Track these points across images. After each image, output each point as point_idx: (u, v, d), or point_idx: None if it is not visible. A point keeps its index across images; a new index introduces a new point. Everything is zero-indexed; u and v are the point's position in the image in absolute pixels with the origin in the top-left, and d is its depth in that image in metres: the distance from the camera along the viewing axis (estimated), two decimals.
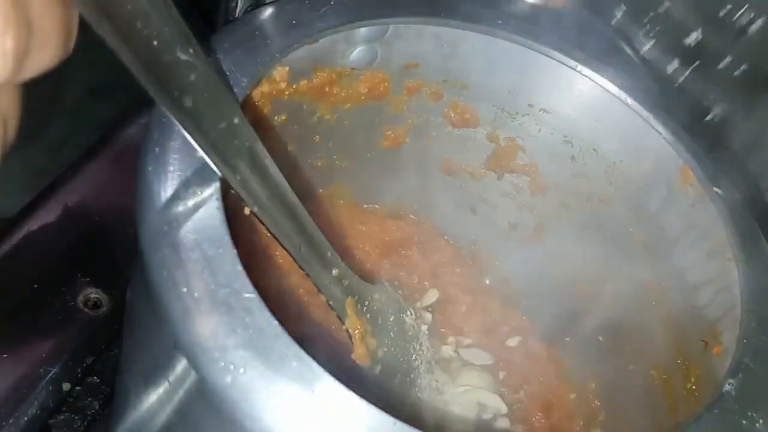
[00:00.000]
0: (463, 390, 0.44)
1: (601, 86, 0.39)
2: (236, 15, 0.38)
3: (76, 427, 0.40)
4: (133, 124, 0.50)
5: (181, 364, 0.22)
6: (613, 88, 0.39)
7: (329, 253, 0.31)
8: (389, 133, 0.43)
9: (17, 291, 0.42)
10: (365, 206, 0.48)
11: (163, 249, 0.23)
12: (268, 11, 0.34)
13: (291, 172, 0.41)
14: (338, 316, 0.34)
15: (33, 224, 0.44)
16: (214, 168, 0.23)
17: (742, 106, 0.51)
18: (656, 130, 0.38)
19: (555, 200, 0.44)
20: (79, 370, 0.42)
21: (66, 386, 0.41)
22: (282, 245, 0.28)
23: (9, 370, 0.39)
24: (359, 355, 0.35)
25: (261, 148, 0.26)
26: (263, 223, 0.26)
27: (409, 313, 0.42)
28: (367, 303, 0.36)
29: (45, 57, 0.16)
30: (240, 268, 0.23)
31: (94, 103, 0.49)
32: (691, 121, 0.55)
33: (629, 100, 0.38)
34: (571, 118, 0.41)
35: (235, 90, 0.29)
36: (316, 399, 0.21)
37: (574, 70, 0.39)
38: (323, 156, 0.42)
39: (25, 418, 0.39)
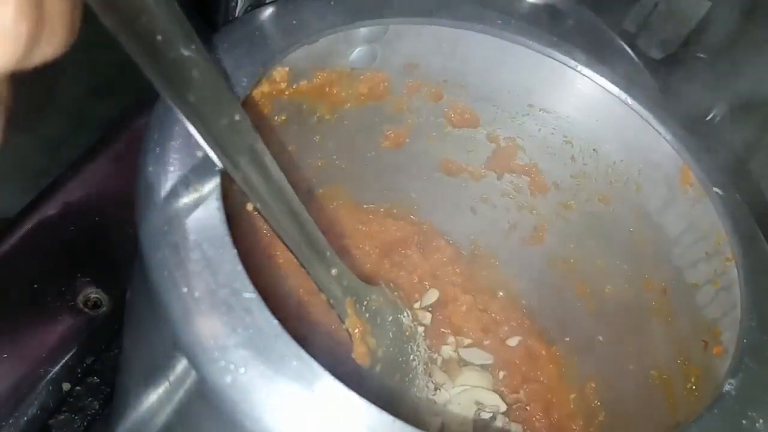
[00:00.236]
0: (462, 389, 0.44)
1: (601, 86, 0.39)
2: (236, 15, 0.38)
3: (76, 427, 0.40)
4: (133, 124, 0.50)
5: (182, 364, 0.22)
6: (613, 88, 0.39)
7: (328, 253, 0.32)
8: (389, 133, 0.43)
9: (17, 291, 0.42)
10: (365, 206, 0.48)
11: (163, 249, 0.23)
12: (268, 11, 0.34)
13: (291, 172, 0.41)
14: (338, 315, 0.34)
15: (33, 224, 0.44)
16: (217, 162, 0.23)
17: (742, 106, 0.51)
18: (656, 130, 0.38)
19: (555, 200, 0.44)
20: (79, 370, 0.42)
21: (66, 386, 0.41)
22: (283, 242, 0.28)
23: (9, 370, 0.39)
24: (359, 354, 0.35)
25: (262, 146, 0.26)
26: (265, 219, 0.27)
27: (406, 314, 0.42)
28: (365, 303, 0.36)
29: (53, 44, 0.16)
30: (240, 268, 0.23)
31: (94, 102, 0.49)
32: (691, 121, 0.55)
33: (629, 100, 0.38)
34: (571, 118, 0.41)
35: (236, 90, 0.29)
36: (316, 398, 0.21)
37: (574, 70, 0.39)
38: (323, 156, 0.42)
39: (25, 418, 0.39)
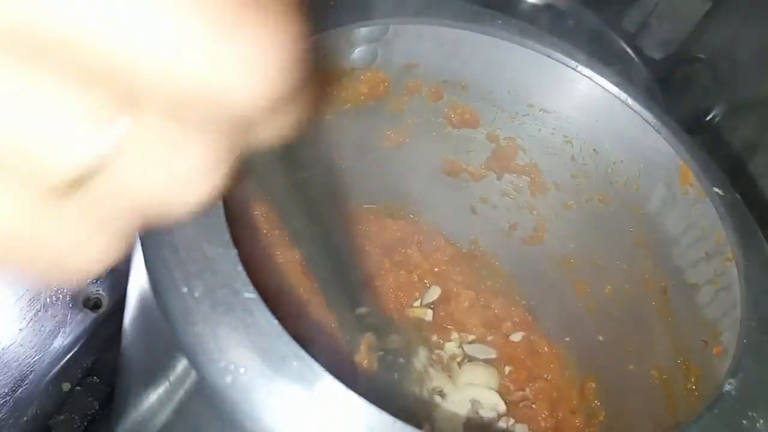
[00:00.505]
0: (465, 386, 0.44)
1: (601, 86, 0.39)
2: None
3: (76, 427, 0.40)
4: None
5: (182, 364, 0.22)
6: (613, 88, 0.39)
7: (359, 293, 0.32)
8: (389, 133, 0.43)
9: (17, 291, 0.42)
10: (365, 206, 0.48)
11: (163, 249, 0.23)
12: None
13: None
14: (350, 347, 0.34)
15: None
16: None
17: (742, 106, 0.51)
18: (656, 130, 0.38)
19: (555, 200, 0.44)
20: (79, 370, 0.42)
21: (66, 386, 0.41)
22: (313, 279, 0.28)
23: (9, 369, 0.39)
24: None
25: None
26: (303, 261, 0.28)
27: (424, 356, 0.42)
28: (384, 339, 0.37)
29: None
30: (240, 268, 0.23)
31: None
32: (691, 121, 0.55)
33: (629, 100, 0.38)
34: (571, 118, 0.41)
35: None
36: (316, 399, 0.21)
37: (574, 70, 0.39)
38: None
39: (25, 418, 0.39)
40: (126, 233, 0.16)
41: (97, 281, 0.44)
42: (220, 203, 0.24)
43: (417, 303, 0.47)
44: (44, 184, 0.14)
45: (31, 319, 0.41)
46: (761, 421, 0.26)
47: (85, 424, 0.41)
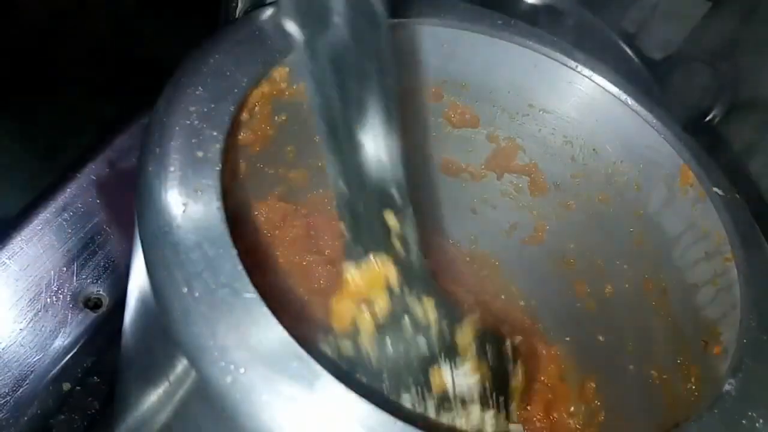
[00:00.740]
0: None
1: (601, 86, 0.39)
2: (236, 15, 0.38)
3: (76, 427, 0.40)
4: (133, 125, 0.50)
5: (182, 364, 0.22)
6: (613, 88, 0.39)
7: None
8: None
9: (17, 291, 0.42)
10: None
11: (163, 249, 0.23)
12: (268, 11, 0.34)
13: (291, 172, 0.41)
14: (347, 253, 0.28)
15: (33, 224, 0.44)
16: None
17: (742, 106, 0.51)
18: (656, 130, 0.38)
19: (555, 200, 0.44)
20: (79, 370, 0.42)
21: (66, 386, 0.41)
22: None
23: (9, 369, 0.39)
24: (338, 314, 0.28)
25: None
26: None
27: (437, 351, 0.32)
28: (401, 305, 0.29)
29: None
30: (240, 268, 0.23)
31: (93, 103, 0.49)
32: (691, 121, 0.55)
33: (629, 100, 0.38)
34: (571, 118, 0.41)
35: (235, 90, 0.29)
36: (316, 399, 0.21)
37: (574, 70, 0.39)
38: (323, 156, 0.42)
39: (25, 418, 0.39)
40: None
41: (97, 281, 0.44)
42: (220, 203, 0.24)
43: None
44: None
45: (31, 319, 0.41)
46: (761, 421, 0.26)
47: (85, 424, 0.41)
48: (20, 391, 0.39)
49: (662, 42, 0.63)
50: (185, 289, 0.22)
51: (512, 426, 0.42)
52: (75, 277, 0.44)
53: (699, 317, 0.35)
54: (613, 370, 0.42)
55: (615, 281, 0.42)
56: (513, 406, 0.34)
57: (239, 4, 0.37)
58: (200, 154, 0.25)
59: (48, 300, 0.42)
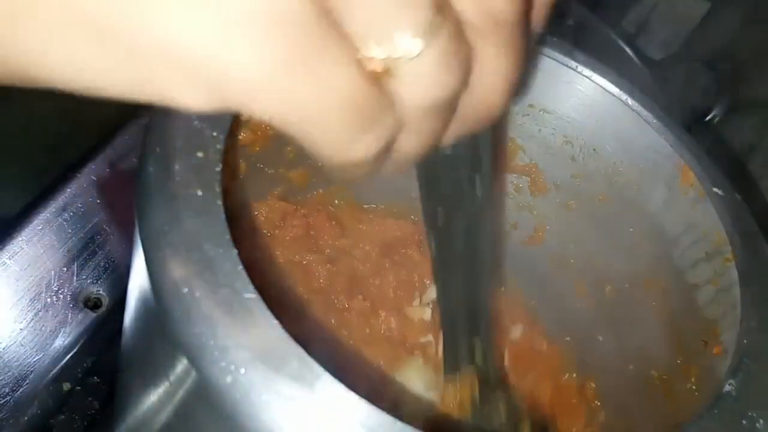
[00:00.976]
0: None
1: (601, 86, 0.39)
2: None
3: (76, 427, 0.40)
4: (133, 125, 0.50)
5: (182, 364, 0.22)
6: (613, 88, 0.39)
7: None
8: None
9: (17, 291, 0.42)
10: (365, 206, 0.48)
11: (163, 249, 0.23)
12: None
13: (291, 172, 0.42)
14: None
15: (33, 224, 0.44)
16: None
17: (742, 106, 0.51)
18: (656, 130, 0.38)
19: (555, 200, 0.44)
20: (79, 370, 0.42)
21: (66, 386, 0.41)
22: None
23: (9, 369, 0.39)
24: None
25: None
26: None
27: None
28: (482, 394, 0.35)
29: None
30: (240, 268, 0.23)
31: (94, 103, 0.49)
32: (691, 121, 0.55)
33: (629, 100, 0.38)
34: (571, 119, 0.41)
35: None
36: (316, 399, 0.21)
37: (575, 70, 0.39)
38: None
39: (25, 418, 0.39)
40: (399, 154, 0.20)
41: (97, 281, 0.44)
42: (220, 203, 0.24)
43: (416, 302, 0.47)
44: (368, 64, 0.17)
45: (31, 319, 0.41)
46: (761, 421, 0.26)
47: (85, 424, 0.41)
48: (20, 391, 0.39)
49: (662, 42, 0.63)
50: (185, 289, 0.22)
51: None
52: (75, 277, 0.44)
53: (699, 317, 0.35)
54: (613, 370, 0.42)
55: (615, 281, 0.42)
56: None
57: None
58: (200, 154, 0.25)
59: (48, 300, 0.42)
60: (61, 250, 0.44)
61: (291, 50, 0.16)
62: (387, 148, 0.19)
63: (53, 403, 0.40)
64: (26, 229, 0.43)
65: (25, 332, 0.41)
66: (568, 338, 0.47)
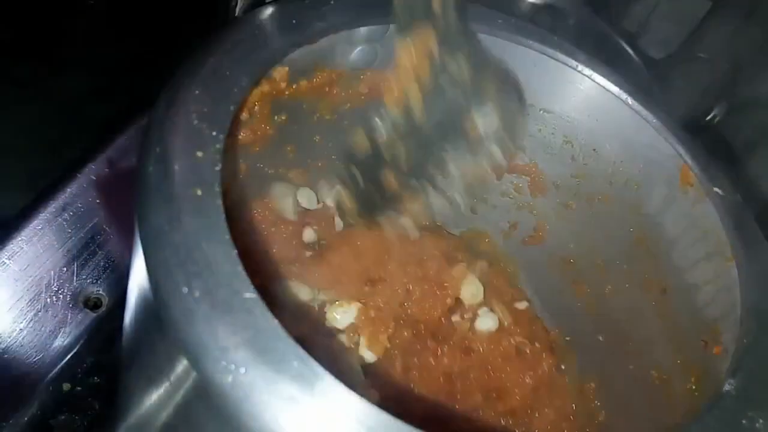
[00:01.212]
0: None
1: (601, 86, 0.39)
2: (236, 15, 0.38)
3: (77, 427, 0.40)
4: (133, 125, 0.50)
5: (182, 364, 0.22)
6: (613, 88, 0.39)
7: None
8: None
9: (17, 291, 0.42)
10: None
11: (163, 249, 0.23)
12: (268, 11, 0.34)
13: (291, 172, 0.42)
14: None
15: (33, 224, 0.44)
16: None
17: (742, 106, 0.51)
18: (656, 130, 0.38)
19: (555, 200, 0.44)
20: (79, 370, 0.42)
21: (66, 386, 0.41)
22: None
23: (10, 369, 0.39)
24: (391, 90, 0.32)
25: None
26: None
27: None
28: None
29: None
30: (240, 268, 0.23)
31: (93, 103, 0.49)
32: (691, 121, 0.55)
33: (629, 100, 0.38)
34: (571, 118, 0.41)
35: (235, 90, 0.29)
36: (316, 399, 0.21)
37: (575, 70, 0.39)
38: (323, 156, 0.42)
39: (25, 418, 0.39)
40: None
41: (97, 281, 0.44)
42: (220, 203, 0.24)
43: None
44: None
45: (31, 319, 0.41)
46: (761, 421, 0.26)
47: (85, 424, 0.41)
48: (20, 391, 0.39)
49: (662, 42, 0.63)
50: (185, 289, 0.22)
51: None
52: (75, 277, 0.44)
53: (699, 317, 0.35)
54: (613, 370, 0.42)
55: (615, 281, 0.42)
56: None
57: (239, 4, 0.37)
58: (200, 154, 0.25)
59: (48, 300, 0.42)
60: (61, 250, 0.44)
61: None
62: None
63: (53, 403, 0.40)
64: (26, 229, 0.43)
65: (25, 332, 0.41)
66: (568, 338, 0.47)
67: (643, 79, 0.58)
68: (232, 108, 0.28)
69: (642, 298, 0.40)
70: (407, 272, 0.43)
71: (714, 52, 0.58)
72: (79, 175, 0.47)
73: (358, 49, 0.36)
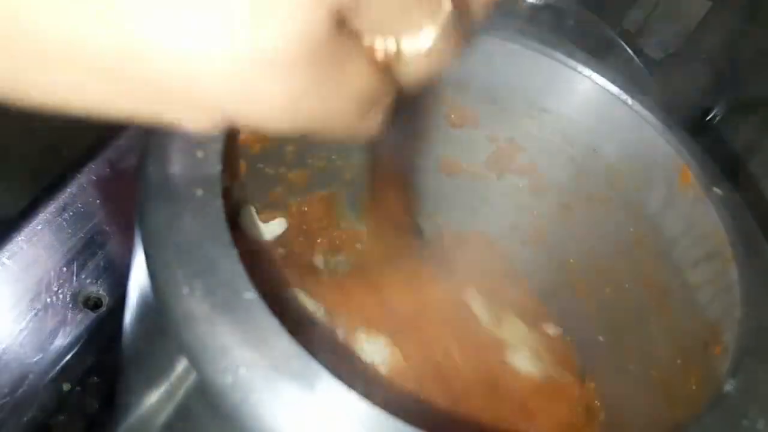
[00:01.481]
0: None
1: (601, 86, 0.39)
2: None
3: (76, 427, 0.40)
4: (133, 125, 0.50)
5: (182, 364, 0.22)
6: (613, 88, 0.39)
7: None
8: None
9: (17, 291, 0.42)
10: None
11: (164, 249, 0.23)
12: None
13: (291, 172, 0.41)
14: None
15: (33, 224, 0.44)
16: None
17: (742, 106, 0.51)
18: (656, 130, 0.38)
19: (555, 200, 0.44)
20: (79, 370, 0.42)
21: (66, 386, 0.41)
22: None
23: (9, 370, 0.39)
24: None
25: None
26: None
27: None
28: None
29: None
30: (240, 268, 0.23)
31: None
32: (691, 121, 0.55)
33: (629, 100, 0.38)
34: (571, 119, 0.41)
35: None
36: (316, 399, 0.21)
37: (574, 70, 0.39)
38: (323, 156, 0.42)
39: (25, 418, 0.39)
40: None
41: (97, 281, 0.44)
42: (220, 203, 0.24)
43: None
44: (379, 54, 0.18)
45: (31, 320, 0.41)
46: (761, 421, 0.26)
47: (85, 424, 0.41)
48: (20, 391, 0.39)
49: (662, 42, 0.63)
50: (186, 289, 0.22)
51: None
52: (75, 277, 0.44)
53: (699, 317, 0.35)
54: (613, 370, 0.42)
55: (615, 281, 0.42)
56: None
57: None
58: (200, 154, 0.25)
59: (48, 300, 0.42)
60: (61, 250, 0.44)
61: (314, 77, 0.16)
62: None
63: (53, 403, 0.40)
64: (26, 229, 0.43)
65: (25, 332, 0.41)
66: (568, 338, 0.47)
67: (643, 79, 0.58)
68: None
69: (642, 298, 0.40)
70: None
71: (714, 52, 0.58)
72: (79, 175, 0.47)
73: None
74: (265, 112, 0.17)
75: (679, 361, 0.36)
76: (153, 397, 0.27)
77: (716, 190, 0.35)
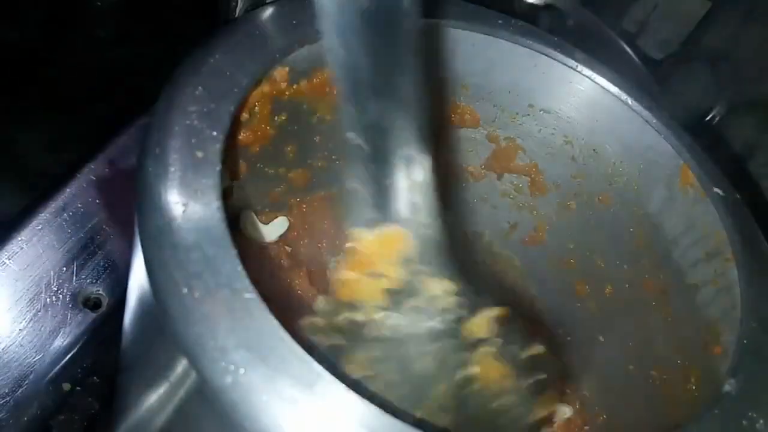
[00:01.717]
0: None
1: (601, 86, 0.39)
2: (236, 15, 0.38)
3: (76, 427, 0.40)
4: (132, 125, 0.50)
5: (182, 365, 0.22)
6: (613, 88, 0.39)
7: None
8: None
9: (17, 291, 0.42)
10: None
11: (163, 249, 0.23)
12: (268, 11, 0.34)
13: (291, 172, 0.41)
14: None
15: (32, 224, 0.44)
16: None
17: (742, 106, 0.51)
18: (656, 130, 0.38)
19: (555, 200, 0.44)
20: (79, 370, 0.42)
21: (66, 386, 0.41)
22: None
23: (9, 370, 0.39)
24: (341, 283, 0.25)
25: None
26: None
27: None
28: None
29: None
30: (240, 268, 0.23)
31: (93, 103, 0.49)
32: (691, 121, 0.55)
33: (629, 100, 0.38)
34: (571, 118, 0.41)
35: (235, 90, 0.29)
36: (316, 399, 0.21)
37: (574, 70, 0.39)
38: (323, 156, 0.42)
39: (25, 418, 0.39)
40: None
41: (97, 281, 0.44)
42: (220, 203, 0.24)
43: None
44: None
45: (31, 319, 0.41)
46: (761, 421, 0.26)
47: (85, 424, 0.41)
48: (20, 391, 0.39)
49: (662, 42, 0.63)
50: (185, 290, 0.22)
51: None
52: (75, 277, 0.44)
53: (699, 317, 0.35)
54: (613, 370, 0.42)
55: (615, 281, 0.42)
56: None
57: (239, 4, 0.37)
58: (200, 154, 0.25)
59: (48, 300, 0.42)
60: (61, 250, 0.44)
61: None
62: None
63: (53, 403, 0.40)
64: (26, 229, 0.43)
65: (24, 332, 0.41)
66: (568, 338, 0.47)
67: (643, 79, 0.58)
68: (232, 108, 0.28)
69: (642, 298, 0.40)
70: None
71: (714, 52, 0.58)
72: (79, 175, 0.47)
73: None
74: None
75: (679, 361, 0.36)
76: (153, 398, 0.27)
77: (716, 190, 0.35)
